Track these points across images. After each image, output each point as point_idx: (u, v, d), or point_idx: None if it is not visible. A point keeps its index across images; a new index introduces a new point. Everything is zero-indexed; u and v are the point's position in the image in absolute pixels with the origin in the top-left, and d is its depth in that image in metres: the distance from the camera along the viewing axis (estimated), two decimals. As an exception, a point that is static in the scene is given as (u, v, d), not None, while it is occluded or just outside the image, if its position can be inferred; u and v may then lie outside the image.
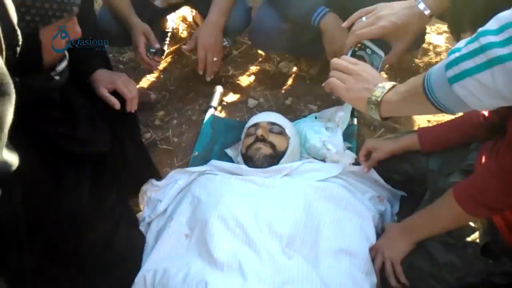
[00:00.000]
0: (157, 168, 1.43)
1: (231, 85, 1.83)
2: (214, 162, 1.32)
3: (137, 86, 1.74)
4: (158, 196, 1.28)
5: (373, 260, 1.06)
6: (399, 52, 1.07)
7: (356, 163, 1.31)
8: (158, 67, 1.75)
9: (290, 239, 1.03)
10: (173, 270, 0.99)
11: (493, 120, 1.07)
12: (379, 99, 0.87)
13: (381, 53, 1.07)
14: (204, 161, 1.42)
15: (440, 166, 1.16)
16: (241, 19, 1.63)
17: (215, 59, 1.54)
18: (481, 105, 0.70)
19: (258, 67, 1.91)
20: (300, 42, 1.52)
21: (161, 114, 1.69)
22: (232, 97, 1.77)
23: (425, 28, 1.20)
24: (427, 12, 1.00)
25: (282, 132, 1.31)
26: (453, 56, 0.70)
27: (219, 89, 1.72)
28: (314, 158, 1.36)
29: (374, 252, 1.08)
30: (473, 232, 0.98)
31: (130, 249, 1.09)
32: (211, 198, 1.12)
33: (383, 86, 0.88)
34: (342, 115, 1.40)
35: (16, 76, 0.86)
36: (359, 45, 1.06)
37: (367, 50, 1.06)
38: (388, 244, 1.06)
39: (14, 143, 0.59)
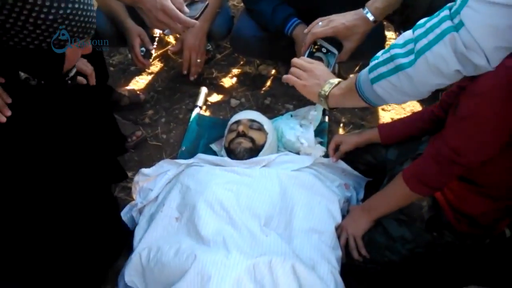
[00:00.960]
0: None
1: (214, 86, 1.98)
2: (200, 155, 1.47)
3: (127, 88, 1.88)
4: (149, 186, 1.43)
5: (339, 237, 1.23)
6: (349, 50, 1.30)
7: (326, 155, 1.49)
8: (147, 70, 1.89)
9: (267, 219, 1.19)
10: (166, 247, 1.14)
11: (440, 115, 1.25)
12: (326, 93, 1.07)
13: (335, 51, 1.29)
14: (191, 155, 1.57)
15: (397, 156, 1.34)
16: (224, 25, 1.78)
17: (198, 60, 1.70)
18: (393, 100, 0.92)
19: (239, 70, 2.07)
20: (276, 49, 1.69)
21: (150, 113, 1.83)
22: (215, 97, 1.93)
23: (383, 32, 1.50)
24: (371, 18, 1.25)
25: (261, 128, 1.48)
26: (374, 62, 0.92)
27: (203, 90, 1.87)
28: (290, 151, 1.53)
29: (339, 230, 1.24)
30: (421, 209, 1.16)
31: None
32: (199, 185, 1.27)
33: (331, 82, 1.08)
34: (314, 114, 1.58)
35: (39, 79, 1.00)
36: (316, 46, 1.29)
37: (323, 49, 1.28)
38: (351, 222, 1.24)
39: None
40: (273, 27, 1.58)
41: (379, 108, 1.84)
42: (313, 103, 1.74)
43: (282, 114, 1.76)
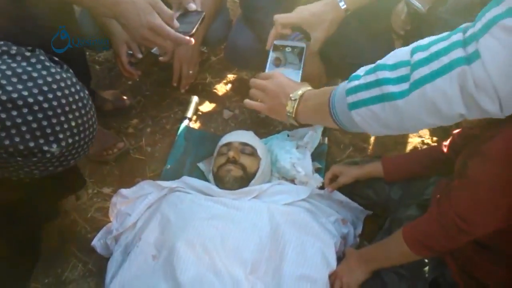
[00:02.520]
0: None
1: (207, 94, 1.83)
2: (185, 179, 1.34)
3: (111, 91, 1.73)
4: (127, 210, 1.30)
5: (332, 285, 1.12)
6: (318, 41, 1.13)
7: (323, 186, 1.37)
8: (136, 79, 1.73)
9: (254, 265, 1.07)
10: (139, 293, 1.02)
11: (450, 156, 1.13)
12: (292, 114, 0.91)
13: (302, 44, 1.13)
14: (176, 174, 1.44)
15: (401, 196, 1.22)
16: (221, 31, 1.63)
17: (190, 72, 1.55)
18: (372, 131, 0.77)
19: (235, 75, 1.92)
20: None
21: (135, 122, 1.68)
22: (207, 107, 1.78)
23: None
24: (342, 5, 1.10)
25: (253, 153, 1.34)
26: (353, 84, 0.75)
27: (194, 99, 1.72)
28: (284, 177, 1.40)
29: (333, 277, 1.13)
30: (424, 265, 1.05)
31: None
32: (180, 219, 1.15)
33: (293, 98, 0.90)
34: (311, 134, 1.45)
35: None
36: (275, 49, 1.14)
37: (287, 48, 1.13)
38: (346, 270, 1.12)
39: None
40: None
41: (383, 129, 1.70)
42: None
43: (278, 131, 1.63)
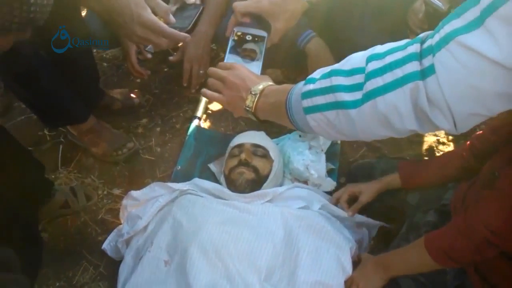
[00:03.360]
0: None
1: (217, 92, 1.80)
2: (196, 181, 1.31)
3: (119, 90, 1.71)
4: (138, 213, 1.28)
5: (348, 291, 1.09)
6: (279, 31, 1.08)
7: (337, 188, 1.34)
8: (145, 78, 1.70)
9: (268, 272, 1.05)
10: (151, 300, 1.00)
11: (470, 160, 1.09)
12: (252, 110, 0.86)
13: (263, 33, 1.08)
14: (186, 175, 1.42)
15: (418, 202, 1.18)
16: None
17: (201, 72, 1.52)
18: (327, 137, 0.74)
19: (245, 73, 1.88)
20: (285, 59, 1.50)
21: (144, 121, 1.66)
22: (217, 105, 1.75)
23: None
24: None
25: (266, 155, 1.31)
26: (308, 87, 0.72)
27: (204, 98, 1.69)
28: (296, 179, 1.37)
29: (349, 282, 1.10)
30: (445, 274, 1.02)
31: None
32: (192, 224, 1.12)
33: (254, 91, 0.85)
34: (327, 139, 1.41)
35: None
36: (236, 36, 1.07)
37: (247, 37, 1.07)
38: (363, 277, 1.09)
39: None
40: (284, 39, 1.38)
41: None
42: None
43: (289, 131, 1.59)
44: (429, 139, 1.63)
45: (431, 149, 1.59)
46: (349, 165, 1.48)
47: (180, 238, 1.11)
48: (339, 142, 1.52)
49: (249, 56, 1.05)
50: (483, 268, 0.96)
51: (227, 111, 1.68)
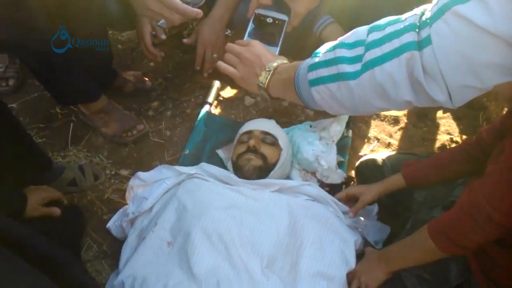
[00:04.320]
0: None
1: (229, 79, 1.74)
2: (203, 165, 1.31)
3: (133, 72, 1.71)
4: (144, 193, 1.28)
5: (349, 283, 1.08)
6: (299, 15, 1.09)
7: (346, 181, 1.32)
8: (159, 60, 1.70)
9: (270, 259, 1.04)
10: (152, 280, 1.00)
11: (477, 155, 1.06)
12: (265, 86, 0.87)
13: (284, 17, 1.09)
14: (194, 160, 1.42)
15: (425, 197, 1.16)
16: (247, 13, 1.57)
17: (214, 55, 1.51)
18: (331, 111, 0.75)
19: (259, 61, 1.87)
20: (301, 47, 1.48)
21: (155, 104, 1.66)
22: (229, 92, 1.74)
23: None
24: None
25: (274, 143, 1.30)
26: (315, 59, 0.73)
27: (216, 84, 1.68)
28: (304, 169, 1.36)
29: (351, 276, 1.09)
30: (449, 271, 1.00)
31: None
32: (197, 207, 1.12)
33: (268, 68, 0.87)
34: (338, 130, 1.39)
35: None
36: (256, 18, 1.08)
37: (268, 19, 1.08)
38: (365, 270, 1.08)
39: None
40: (300, 25, 1.36)
41: (410, 124, 1.64)
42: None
43: (300, 121, 1.58)
44: (442, 137, 1.60)
45: (443, 147, 1.56)
46: (359, 159, 1.46)
47: (184, 221, 1.11)
48: (350, 135, 1.50)
49: (268, 40, 1.05)
50: (485, 263, 0.93)
51: (238, 99, 1.71)
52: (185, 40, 1.52)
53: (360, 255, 1.14)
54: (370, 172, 1.31)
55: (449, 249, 0.91)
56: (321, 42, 1.35)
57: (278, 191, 1.21)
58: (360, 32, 0.67)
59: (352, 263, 1.10)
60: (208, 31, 1.44)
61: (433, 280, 1.00)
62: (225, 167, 1.37)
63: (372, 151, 1.54)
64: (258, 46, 0.93)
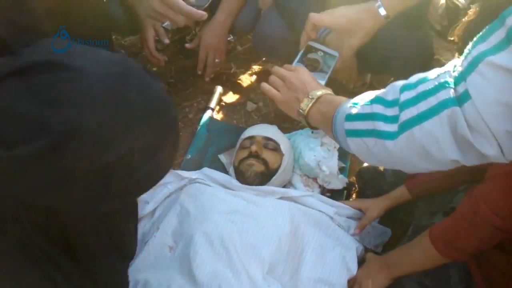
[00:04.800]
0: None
1: (231, 84, 1.80)
2: (205, 170, 1.31)
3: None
4: (146, 197, 1.28)
5: (351, 289, 1.08)
6: (352, 49, 1.08)
7: (347, 186, 1.33)
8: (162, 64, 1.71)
9: (271, 265, 1.04)
10: (154, 284, 1.01)
11: (483, 165, 1.07)
12: (305, 112, 0.87)
13: (335, 53, 1.08)
14: (196, 164, 1.42)
15: (426, 203, 1.17)
16: (250, 19, 1.58)
17: (216, 60, 1.52)
18: (368, 162, 0.76)
19: (261, 67, 1.88)
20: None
21: (158, 109, 1.66)
22: (231, 97, 1.75)
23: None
24: (382, 11, 1.02)
25: (276, 149, 1.31)
26: (351, 110, 0.72)
27: (218, 89, 1.69)
28: (306, 175, 1.36)
29: (352, 282, 1.09)
30: (450, 277, 1.00)
31: None
32: (199, 212, 1.13)
33: (311, 96, 0.87)
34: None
35: None
36: (307, 49, 1.08)
37: (319, 52, 1.08)
38: (366, 276, 1.08)
39: None
40: (302, 29, 1.37)
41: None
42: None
43: (302, 127, 1.58)
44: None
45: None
46: (360, 164, 1.46)
47: (186, 225, 1.12)
48: (351, 141, 1.51)
49: (312, 66, 1.06)
50: (489, 273, 0.94)
51: (240, 104, 1.72)
52: (187, 45, 1.53)
53: (360, 262, 1.14)
54: (372, 178, 1.31)
55: (449, 255, 0.91)
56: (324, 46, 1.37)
57: (280, 199, 1.21)
58: (396, 88, 0.66)
59: (353, 269, 1.10)
60: (211, 35, 1.46)
61: (434, 286, 1.01)
62: (227, 172, 1.38)
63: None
64: (305, 73, 0.94)
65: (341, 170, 1.40)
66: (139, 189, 0.62)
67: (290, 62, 1.81)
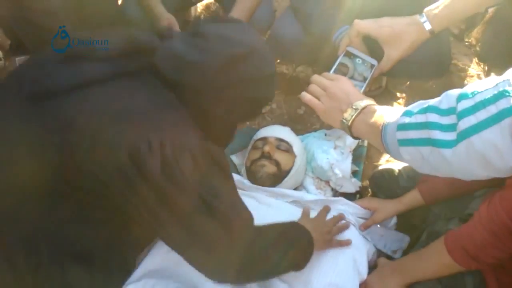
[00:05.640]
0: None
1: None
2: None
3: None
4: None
5: (362, 295, 1.06)
6: (391, 60, 1.05)
7: (360, 190, 1.31)
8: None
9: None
10: (163, 282, 1.00)
11: None
12: (349, 123, 0.86)
13: (374, 61, 1.04)
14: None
15: (442, 209, 1.14)
16: (265, 20, 1.58)
17: None
18: (421, 171, 0.73)
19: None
20: (318, 56, 1.48)
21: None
22: (244, 99, 1.75)
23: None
24: (427, 26, 0.99)
25: (289, 150, 1.30)
26: (404, 120, 0.72)
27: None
28: (318, 178, 1.35)
29: (363, 287, 1.08)
30: (464, 285, 0.97)
31: None
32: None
33: (355, 107, 0.85)
34: (355, 140, 1.37)
35: None
36: (346, 55, 1.05)
37: (357, 60, 1.04)
38: (378, 282, 1.06)
39: None
40: (317, 31, 1.37)
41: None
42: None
43: (315, 129, 1.58)
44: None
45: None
46: (374, 168, 1.45)
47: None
48: (365, 144, 1.49)
49: (340, 71, 1.03)
50: (503, 278, 0.91)
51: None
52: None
53: (373, 266, 1.13)
54: (386, 182, 1.29)
55: (467, 264, 0.89)
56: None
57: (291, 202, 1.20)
58: (451, 97, 0.66)
59: (364, 273, 1.08)
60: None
61: (448, 295, 0.98)
62: (239, 173, 1.37)
63: (388, 161, 1.52)
64: (347, 82, 0.93)
65: (354, 173, 1.38)
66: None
67: (304, 64, 1.80)
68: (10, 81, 0.83)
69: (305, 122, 1.64)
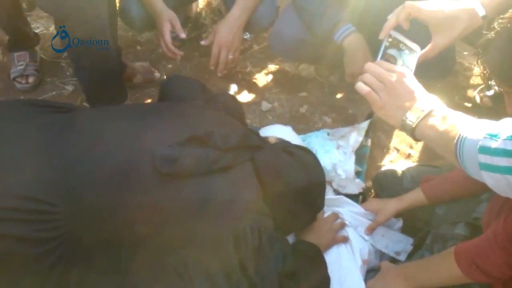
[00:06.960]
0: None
1: (247, 83, 1.77)
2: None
3: (141, 63, 1.75)
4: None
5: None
6: (439, 48, 0.97)
7: (363, 191, 1.28)
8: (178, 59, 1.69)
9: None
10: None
11: None
12: (413, 126, 0.77)
13: (417, 47, 0.96)
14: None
15: (447, 212, 1.11)
16: (267, 17, 1.55)
17: (230, 56, 1.49)
18: (502, 194, 0.66)
19: (277, 67, 1.85)
20: (320, 54, 1.45)
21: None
22: (246, 96, 1.72)
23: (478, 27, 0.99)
24: (481, 11, 0.92)
25: (290, 151, 1.27)
26: (489, 143, 0.64)
27: (233, 88, 1.67)
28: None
29: (367, 291, 1.05)
30: (471, 292, 0.95)
31: None
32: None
33: (423, 108, 0.77)
34: (358, 140, 1.34)
35: None
36: (390, 39, 0.95)
37: (401, 45, 0.94)
38: (381, 286, 1.04)
39: None
40: (321, 31, 1.33)
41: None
42: (356, 121, 1.53)
43: (317, 128, 1.54)
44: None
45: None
46: (378, 169, 1.41)
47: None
48: (369, 144, 1.46)
49: (387, 61, 0.92)
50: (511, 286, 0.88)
51: (255, 104, 1.68)
52: (203, 42, 1.51)
53: (373, 269, 1.10)
54: (389, 183, 1.26)
55: (477, 278, 0.86)
56: (341, 50, 1.33)
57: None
58: None
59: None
60: (225, 31, 1.43)
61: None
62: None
63: (391, 161, 1.49)
64: (411, 77, 0.81)
65: (357, 174, 1.35)
66: None
67: (306, 62, 1.76)
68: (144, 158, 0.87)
69: (307, 121, 1.61)
